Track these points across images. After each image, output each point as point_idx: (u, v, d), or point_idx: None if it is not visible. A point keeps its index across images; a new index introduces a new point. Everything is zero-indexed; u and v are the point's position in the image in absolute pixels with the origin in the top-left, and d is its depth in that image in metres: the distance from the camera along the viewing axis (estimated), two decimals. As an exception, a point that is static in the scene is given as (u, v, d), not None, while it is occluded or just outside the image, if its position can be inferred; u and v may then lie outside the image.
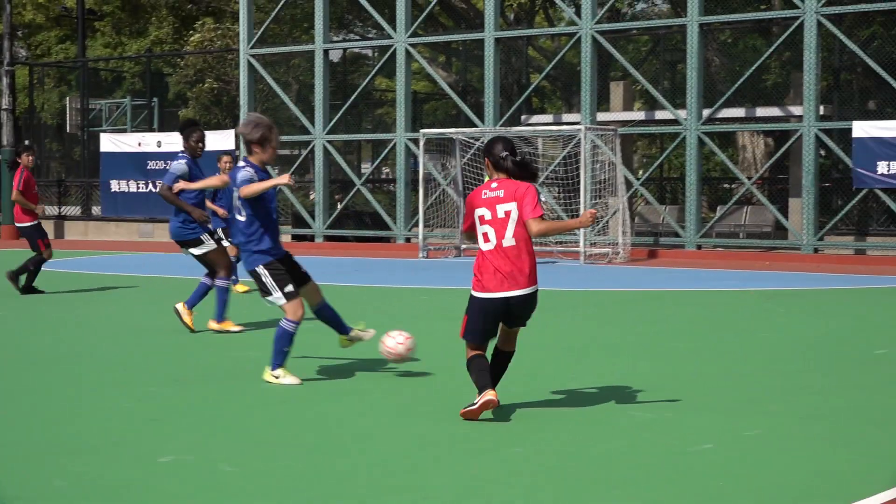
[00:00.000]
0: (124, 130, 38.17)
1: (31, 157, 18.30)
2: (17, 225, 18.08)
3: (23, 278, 17.85)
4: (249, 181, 9.77)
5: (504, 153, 8.19)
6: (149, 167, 33.28)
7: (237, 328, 13.46)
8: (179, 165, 13.48)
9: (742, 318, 14.97)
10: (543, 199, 24.33)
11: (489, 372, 8.30)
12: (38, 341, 12.84)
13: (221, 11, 42.87)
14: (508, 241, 8.10)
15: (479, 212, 8.21)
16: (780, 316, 15.10)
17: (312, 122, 30.76)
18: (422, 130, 27.98)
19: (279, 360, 9.77)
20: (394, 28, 29.51)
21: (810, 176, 24.79)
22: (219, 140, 32.30)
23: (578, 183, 25.70)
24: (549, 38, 42.25)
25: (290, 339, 9.75)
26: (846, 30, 27.85)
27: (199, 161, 13.86)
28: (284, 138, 34.82)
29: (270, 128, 9.91)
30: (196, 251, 13.59)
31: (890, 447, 7.57)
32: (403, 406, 9.03)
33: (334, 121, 30.55)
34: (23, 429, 8.20)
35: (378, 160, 32.12)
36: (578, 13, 27.54)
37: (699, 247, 26.27)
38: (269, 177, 9.93)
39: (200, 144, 13.68)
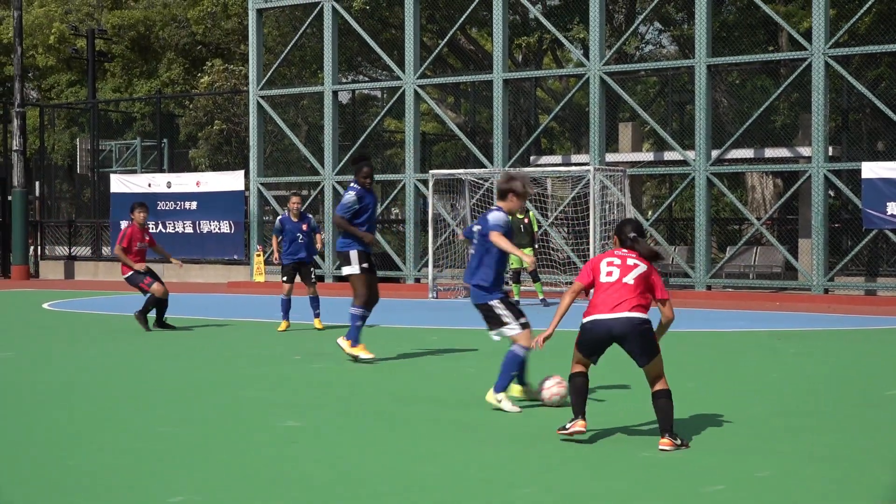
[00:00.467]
0: (134, 171, 38.34)
1: (143, 214, 18.91)
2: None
3: (151, 318, 18.89)
4: (502, 227, 10.65)
5: (632, 234, 9.22)
6: (159, 208, 33.37)
7: (368, 355, 14.22)
8: (350, 197, 14.44)
9: (752, 358, 14.94)
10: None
11: (585, 397, 9.18)
12: (51, 380, 12.83)
13: (230, 53, 43.07)
14: (629, 280, 9.00)
15: (609, 259, 9.18)
16: (791, 356, 15.07)
17: (322, 163, 30.85)
18: (431, 171, 28.05)
19: (505, 384, 10.53)
20: (402, 69, 29.63)
21: (819, 216, 24.79)
22: (228, 181, 32.42)
23: (587, 224, 25.73)
24: (558, 80, 42.38)
25: (519, 364, 10.69)
26: (854, 71, 27.93)
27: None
28: (293, 179, 34.95)
29: (526, 184, 10.83)
30: (344, 270, 14.53)
31: (902, 488, 7.54)
32: (417, 446, 9.01)
33: (343, 161, 30.63)
34: (31, 467, 8.19)
35: (387, 201, 32.19)
36: (586, 55, 27.63)
37: (709, 287, 26.24)
38: (511, 223, 10.87)
39: (368, 180, 14.59)
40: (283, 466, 8.24)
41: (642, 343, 8.89)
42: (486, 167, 28.36)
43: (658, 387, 8.97)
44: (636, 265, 9.07)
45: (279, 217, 19.28)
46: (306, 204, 32.32)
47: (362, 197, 14.48)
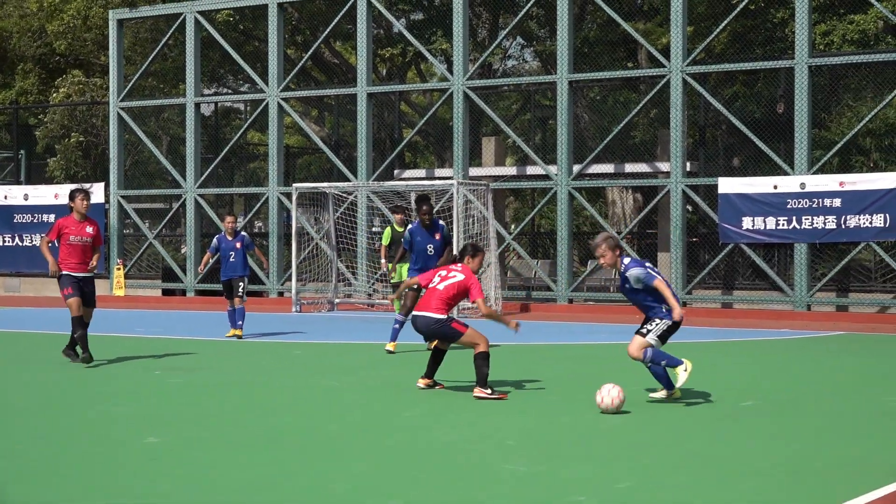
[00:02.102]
0: (-10, 183, 37.41)
1: (84, 203, 15.69)
2: None
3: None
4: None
5: (456, 253, 13.50)
6: (15, 220, 32.64)
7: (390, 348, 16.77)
8: (406, 234, 18.19)
9: (613, 371, 15.13)
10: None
11: (435, 363, 12.92)
12: None
13: (90, 64, 42.32)
14: (441, 286, 12.60)
15: (442, 272, 12.76)
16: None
17: (184, 176, 30.49)
18: (294, 185, 27.93)
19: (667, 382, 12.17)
20: (266, 82, 29.47)
21: (678, 231, 25.26)
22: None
23: (451, 237, 25.82)
24: (422, 94, 42.56)
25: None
26: (711, 88, 28.53)
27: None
28: (155, 192, 34.50)
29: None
30: None
31: (761, 497, 7.71)
32: (281, 460, 8.96)
33: (206, 174, 30.32)
34: None
35: (250, 214, 31.95)
36: (450, 69, 27.79)
37: (571, 301, 26.54)
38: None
39: (426, 217, 17.79)
40: (143, 483, 8.12)
41: (437, 333, 12.56)
42: (350, 181, 28.34)
43: (476, 351, 12.22)
44: (455, 275, 12.61)
45: (216, 236, 20.12)
46: (168, 217, 31.94)
47: (413, 233, 17.79)
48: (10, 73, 45.38)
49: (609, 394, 11.18)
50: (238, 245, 19.61)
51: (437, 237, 17.81)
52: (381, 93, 31.18)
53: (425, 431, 10.23)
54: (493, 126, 33.80)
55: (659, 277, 11.85)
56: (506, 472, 8.46)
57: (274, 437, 9.96)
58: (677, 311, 11.75)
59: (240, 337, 19.41)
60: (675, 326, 12.00)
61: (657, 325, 11.93)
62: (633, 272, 11.79)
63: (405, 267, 23.85)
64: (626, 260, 11.97)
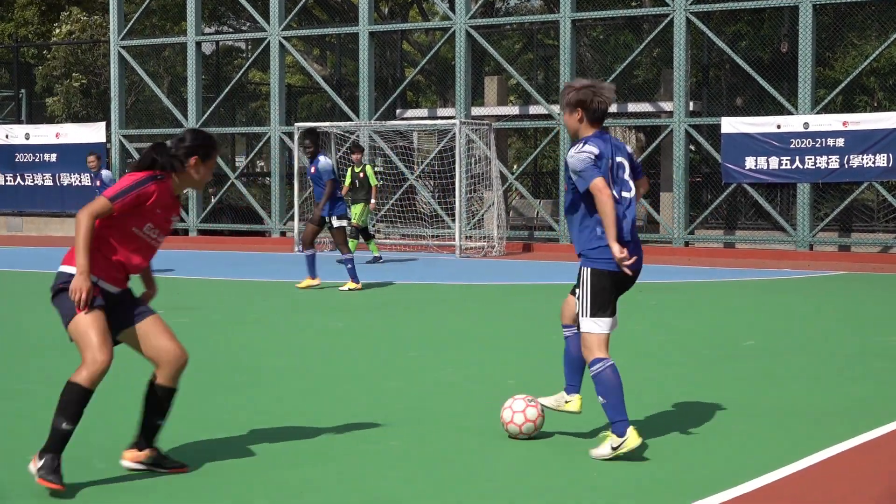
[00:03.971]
0: (-9, 122, 37.31)
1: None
2: None
3: None
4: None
5: None
6: (17, 160, 32.59)
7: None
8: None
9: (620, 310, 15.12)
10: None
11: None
12: None
13: (90, 2, 42.04)
14: None
15: None
16: (652, 309, 15.34)
17: (185, 115, 30.40)
18: (296, 124, 27.84)
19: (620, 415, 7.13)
20: (267, 21, 29.30)
21: (681, 171, 25.21)
22: (89, 133, 31.78)
23: (453, 177, 25.81)
24: (424, 33, 42.33)
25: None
26: (714, 27, 28.35)
27: None
28: (157, 131, 34.41)
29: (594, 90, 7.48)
30: None
31: (758, 439, 7.74)
32: (282, 402, 8.98)
33: (207, 113, 30.23)
34: None
35: (252, 153, 31.88)
36: (453, 8, 27.62)
37: (572, 240, 26.52)
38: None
39: (307, 151, 17.19)
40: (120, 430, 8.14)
41: None
42: (352, 120, 28.25)
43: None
44: None
45: None
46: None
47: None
48: (9, 6, 45.08)
49: (526, 413, 7.57)
50: (98, 183, 20.03)
51: (313, 171, 17.21)
52: (382, 32, 31.01)
53: (414, 371, 10.26)
54: (496, 65, 33.63)
55: (601, 178, 7.16)
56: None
57: (276, 377, 9.99)
58: (616, 248, 7.16)
59: None
60: (618, 281, 7.50)
61: (586, 292, 7.64)
62: (570, 156, 7.34)
63: (360, 207, 23.55)
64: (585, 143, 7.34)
